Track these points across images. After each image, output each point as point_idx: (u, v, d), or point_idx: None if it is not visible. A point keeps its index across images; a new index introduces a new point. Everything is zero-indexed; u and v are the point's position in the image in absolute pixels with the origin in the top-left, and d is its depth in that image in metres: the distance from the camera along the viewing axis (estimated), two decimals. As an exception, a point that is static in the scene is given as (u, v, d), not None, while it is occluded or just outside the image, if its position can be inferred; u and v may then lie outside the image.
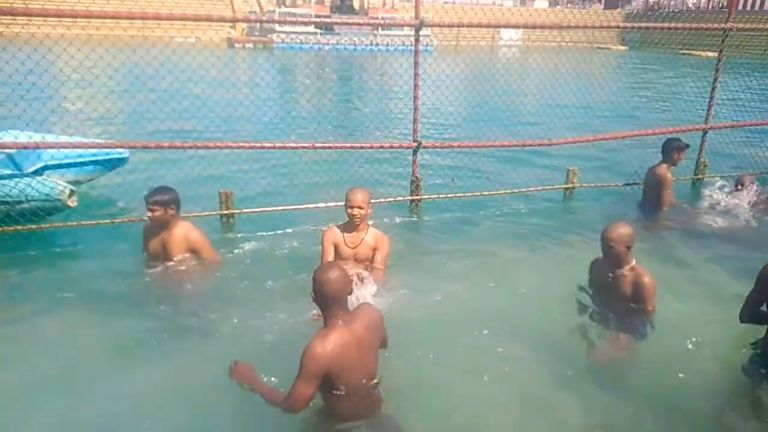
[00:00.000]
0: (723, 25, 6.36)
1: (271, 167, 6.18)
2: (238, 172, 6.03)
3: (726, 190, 6.05)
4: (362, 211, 3.96)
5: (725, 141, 7.56)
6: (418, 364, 3.37)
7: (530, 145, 6.39)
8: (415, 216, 5.94)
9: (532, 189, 6.46)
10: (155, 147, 5.09)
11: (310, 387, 2.54)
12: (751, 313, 3.22)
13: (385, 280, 4.01)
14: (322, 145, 5.44)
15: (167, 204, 4.02)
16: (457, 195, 6.18)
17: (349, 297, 2.73)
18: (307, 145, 5.43)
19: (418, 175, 5.93)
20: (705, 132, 6.84)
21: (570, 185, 6.56)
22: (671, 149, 5.74)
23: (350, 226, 4.03)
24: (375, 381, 2.75)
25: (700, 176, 7.00)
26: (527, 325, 3.76)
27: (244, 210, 5.40)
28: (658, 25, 6.79)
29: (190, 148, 5.11)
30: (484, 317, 3.84)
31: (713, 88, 6.59)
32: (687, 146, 5.80)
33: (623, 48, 37.53)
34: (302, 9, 32.10)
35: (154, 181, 4.31)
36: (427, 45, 30.43)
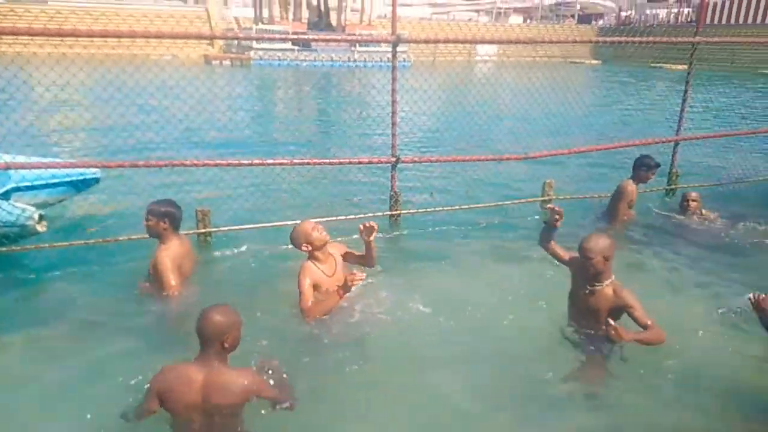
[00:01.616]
0: (691, 39, 6.54)
1: (248, 185, 6.13)
2: (215, 190, 5.97)
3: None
4: (326, 234, 3.86)
5: (697, 152, 7.74)
6: (381, 381, 3.37)
7: (507, 159, 6.46)
8: (395, 231, 5.94)
9: (509, 203, 6.51)
10: (130, 166, 5.02)
11: (149, 403, 2.68)
12: None
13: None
14: (300, 161, 5.41)
15: (161, 216, 3.98)
16: (437, 209, 6.20)
17: None
18: (285, 161, 5.41)
19: (396, 190, 5.94)
20: (676, 143, 6.99)
21: (546, 197, 6.63)
22: (639, 167, 5.78)
23: (319, 255, 3.88)
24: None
25: (672, 186, 7.13)
26: (499, 344, 3.75)
27: (221, 228, 5.35)
28: (631, 39, 6.92)
29: (166, 166, 5.04)
30: (456, 337, 3.82)
31: (684, 101, 6.75)
32: (657, 165, 5.83)
33: (596, 62, 38.33)
34: (279, 26, 32.23)
35: (128, 200, 4.24)
36: (404, 60, 30.71)
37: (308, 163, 5.44)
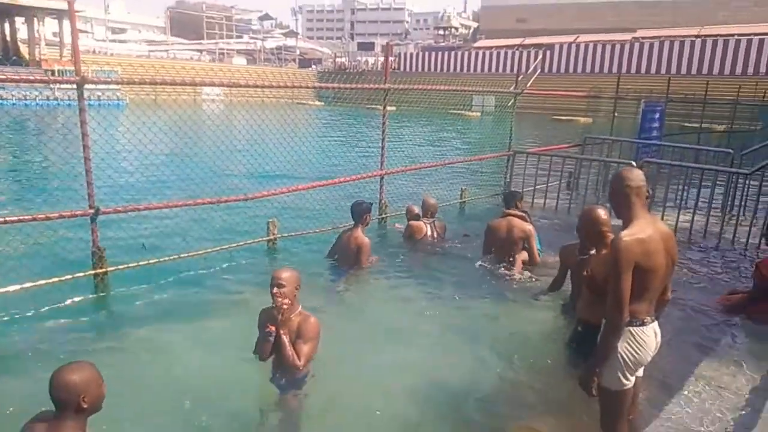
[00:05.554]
0: (383, 86, 7.34)
1: None
2: None
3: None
4: None
5: (400, 182, 8.71)
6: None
7: (225, 201, 6.26)
8: (102, 292, 5.21)
9: (234, 245, 6.30)
10: None
11: None
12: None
13: None
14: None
15: None
16: (151, 262, 5.61)
17: None
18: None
19: (99, 246, 5.25)
20: (382, 177, 7.72)
21: (271, 237, 6.62)
22: (361, 213, 5.80)
23: None
24: None
25: (383, 216, 7.83)
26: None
27: None
28: (330, 85, 7.56)
29: None
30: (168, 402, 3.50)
31: (383, 139, 7.51)
32: (371, 205, 6.03)
33: (320, 103, 40.93)
34: (-54, 59, 26.66)
35: None
36: (118, 99, 28.24)
37: (-29, 225, 4.39)
